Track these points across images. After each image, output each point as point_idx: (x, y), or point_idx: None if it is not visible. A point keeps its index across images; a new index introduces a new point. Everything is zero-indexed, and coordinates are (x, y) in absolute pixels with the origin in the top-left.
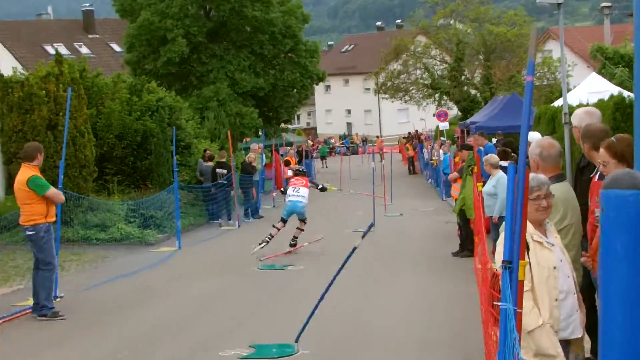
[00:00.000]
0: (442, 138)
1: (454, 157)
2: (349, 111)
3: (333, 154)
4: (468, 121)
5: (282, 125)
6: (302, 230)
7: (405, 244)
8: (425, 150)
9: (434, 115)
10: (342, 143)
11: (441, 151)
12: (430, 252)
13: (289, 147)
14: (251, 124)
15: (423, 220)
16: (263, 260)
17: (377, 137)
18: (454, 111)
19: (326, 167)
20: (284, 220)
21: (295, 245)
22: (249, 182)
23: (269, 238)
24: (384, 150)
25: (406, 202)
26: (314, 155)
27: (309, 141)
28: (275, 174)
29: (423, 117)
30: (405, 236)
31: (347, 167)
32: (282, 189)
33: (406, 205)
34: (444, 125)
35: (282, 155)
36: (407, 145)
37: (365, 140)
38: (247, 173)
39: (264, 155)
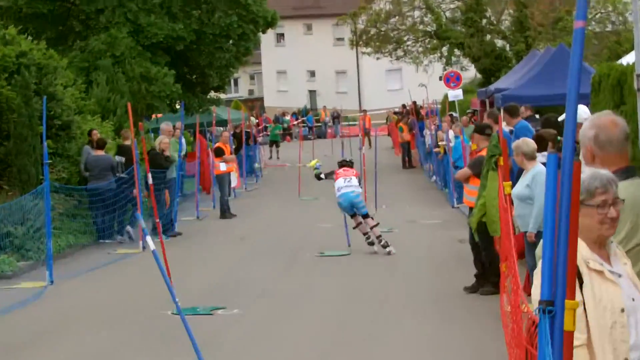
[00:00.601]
0: (452, 113)
1: (471, 143)
2: (312, 73)
3: (288, 138)
4: (492, 87)
5: (212, 94)
6: (377, 224)
7: (399, 276)
8: (427, 131)
9: (440, 79)
10: (303, 121)
11: (451, 133)
12: (436, 288)
13: (221, 128)
14: (164, 93)
15: (425, 238)
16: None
17: (364, 111)
18: (470, 72)
19: (278, 157)
20: (352, 215)
21: (387, 245)
22: (159, 182)
23: (367, 237)
24: (372, 132)
25: (400, 210)
26: (260, 139)
27: (253, 118)
28: (200, 168)
29: (424, 81)
30: (399, 263)
31: (310, 157)
32: (322, 177)
33: (399, 215)
34: (456, 94)
35: (210, 140)
36: (401, 124)
37: (337, 117)
38: (156, 167)
39: (183, 140)
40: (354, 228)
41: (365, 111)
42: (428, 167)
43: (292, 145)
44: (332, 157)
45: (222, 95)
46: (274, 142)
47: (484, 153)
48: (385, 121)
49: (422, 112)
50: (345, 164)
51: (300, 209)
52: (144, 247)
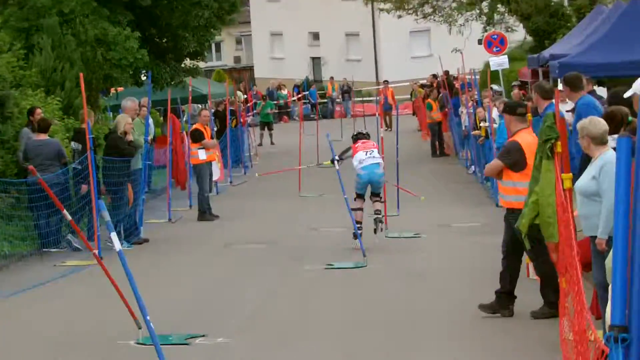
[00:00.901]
0: (494, 86)
1: None
2: (315, 36)
3: (286, 118)
4: (546, 53)
5: (187, 62)
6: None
7: (427, 296)
8: (463, 109)
9: (479, 42)
10: (304, 96)
11: (495, 111)
12: (475, 311)
13: (199, 106)
14: (126, 60)
15: (459, 245)
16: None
17: (385, 82)
18: (518, 34)
19: (272, 142)
20: (361, 196)
21: (380, 222)
22: (121, 173)
23: (358, 228)
24: (393, 110)
25: (427, 210)
26: (249, 119)
27: (240, 93)
28: (172, 157)
29: (459, 46)
30: (427, 279)
31: (313, 143)
32: (337, 158)
33: (428, 216)
34: (500, 62)
35: (186, 121)
36: (429, 100)
37: (347, 92)
38: (117, 155)
39: (150, 120)
40: (351, 209)
41: (387, 82)
42: (465, 154)
43: (291, 127)
44: (342, 142)
45: (201, 64)
46: (266, 124)
47: (518, 138)
48: (409, 97)
49: (457, 84)
50: (362, 136)
51: (301, 209)
52: (100, 255)
